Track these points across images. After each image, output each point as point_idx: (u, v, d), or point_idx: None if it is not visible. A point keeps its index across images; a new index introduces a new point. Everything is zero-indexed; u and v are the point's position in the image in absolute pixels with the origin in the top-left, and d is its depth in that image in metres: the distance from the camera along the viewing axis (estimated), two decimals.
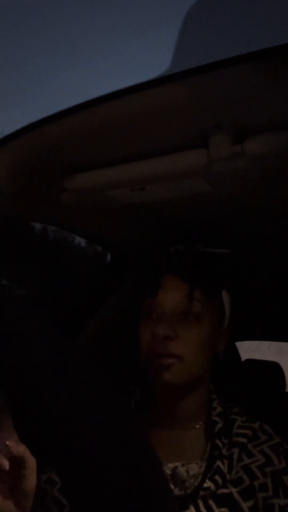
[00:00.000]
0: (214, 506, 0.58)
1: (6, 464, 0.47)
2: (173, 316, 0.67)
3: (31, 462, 0.49)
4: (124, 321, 0.96)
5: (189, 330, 0.66)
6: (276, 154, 0.52)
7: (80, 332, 0.95)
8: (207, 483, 0.60)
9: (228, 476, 0.61)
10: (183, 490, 0.61)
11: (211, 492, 0.59)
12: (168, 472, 0.63)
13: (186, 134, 0.54)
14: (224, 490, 0.59)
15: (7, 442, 0.47)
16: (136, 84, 0.47)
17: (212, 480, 0.60)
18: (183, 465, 0.63)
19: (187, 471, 0.63)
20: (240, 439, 0.64)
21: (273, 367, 1.27)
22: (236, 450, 0.63)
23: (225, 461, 0.62)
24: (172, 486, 0.61)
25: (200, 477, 0.61)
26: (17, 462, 0.48)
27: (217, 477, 0.60)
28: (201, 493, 0.59)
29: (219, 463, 0.62)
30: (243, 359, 1.27)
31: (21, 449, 0.48)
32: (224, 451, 0.63)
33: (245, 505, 0.58)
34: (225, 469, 0.61)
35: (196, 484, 0.60)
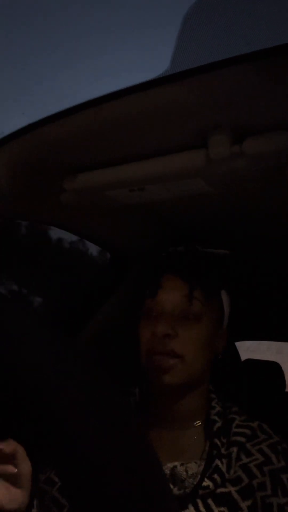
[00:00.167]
0: (213, 505, 0.58)
1: (12, 469, 0.52)
2: (173, 316, 0.67)
3: (20, 450, 0.52)
4: (124, 321, 0.96)
5: (189, 329, 0.66)
6: (275, 154, 0.52)
7: (80, 332, 0.95)
8: (206, 482, 0.60)
9: (227, 475, 0.61)
10: (182, 489, 0.61)
11: (210, 491, 0.59)
12: (167, 471, 0.63)
13: (186, 134, 0.54)
14: (223, 489, 0.59)
15: (0, 447, 0.50)
16: (135, 84, 0.47)
17: (211, 479, 0.60)
18: (182, 464, 0.64)
19: (186, 471, 0.63)
20: (239, 438, 0.64)
21: (273, 367, 1.27)
22: (235, 449, 0.63)
23: (224, 460, 0.62)
24: (171, 486, 0.62)
25: (199, 476, 0.61)
26: (9, 456, 0.52)
27: (216, 476, 0.60)
28: (200, 492, 0.59)
29: (218, 462, 0.62)
30: (243, 359, 1.27)
31: (12, 446, 0.51)
32: (223, 450, 0.63)
33: (244, 504, 0.58)
34: (224, 468, 0.61)
35: (195, 483, 0.60)
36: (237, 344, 1.28)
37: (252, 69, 0.42)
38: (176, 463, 0.64)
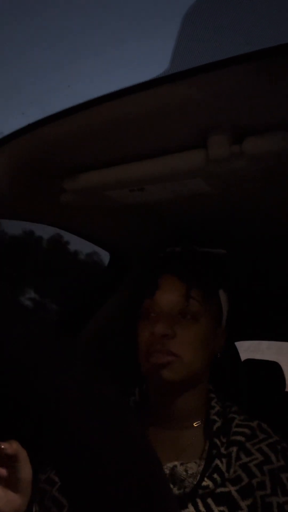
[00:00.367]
0: (213, 505, 0.58)
1: (3, 472, 0.51)
2: (171, 316, 0.67)
3: (23, 453, 0.52)
4: (124, 321, 0.96)
5: (187, 329, 0.66)
6: (275, 154, 0.52)
7: (80, 332, 0.95)
8: (206, 482, 0.60)
9: (226, 475, 0.61)
10: (182, 489, 0.61)
11: (210, 490, 0.59)
12: (167, 471, 0.63)
13: (186, 134, 0.54)
14: (223, 489, 0.59)
15: (2, 446, 0.50)
16: (135, 84, 0.47)
17: (211, 478, 0.60)
18: (181, 464, 0.64)
19: (186, 470, 0.63)
20: (239, 438, 0.64)
21: (273, 367, 1.27)
22: (234, 448, 0.63)
23: (224, 460, 0.62)
24: (170, 485, 0.62)
25: (199, 476, 0.61)
26: (11, 458, 0.51)
27: (215, 476, 0.60)
28: (200, 492, 0.59)
29: (217, 461, 0.62)
30: (243, 359, 1.27)
31: (14, 446, 0.51)
32: (222, 450, 0.64)
33: (243, 504, 0.58)
34: (223, 467, 0.62)
35: (194, 483, 0.61)
36: (237, 344, 1.28)
37: (252, 69, 0.42)
38: (175, 463, 0.64)
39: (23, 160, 0.61)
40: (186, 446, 0.67)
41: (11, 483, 0.52)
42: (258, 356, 1.48)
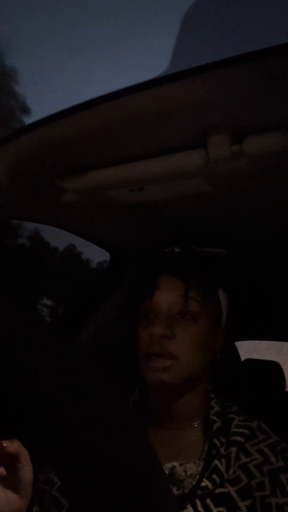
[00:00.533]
0: (211, 506, 0.58)
1: (2, 471, 0.51)
2: (170, 316, 0.67)
3: (24, 453, 0.52)
4: (124, 321, 0.96)
5: (186, 329, 0.66)
6: (275, 154, 0.52)
7: (79, 332, 0.95)
8: (205, 483, 0.60)
9: (225, 475, 0.61)
10: (181, 489, 0.61)
11: (209, 491, 0.59)
12: (166, 471, 0.63)
13: (185, 134, 0.54)
14: (222, 490, 0.59)
15: (4, 444, 0.50)
16: (135, 84, 0.47)
17: (210, 479, 0.60)
18: (181, 464, 0.64)
19: (185, 471, 0.63)
20: (238, 438, 0.64)
21: (273, 367, 1.27)
22: (234, 449, 0.63)
23: (223, 460, 0.62)
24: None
25: (198, 476, 0.61)
26: (12, 458, 0.51)
27: (214, 476, 0.60)
28: (199, 492, 0.59)
29: (217, 462, 0.62)
30: (242, 358, 1.27)
31: (16, 445, 0.50)
32: (222, 450, 0.63)
33: (242, 504, 0.58)
34: (222, 468, 0.61)
35: (193, 483, 0.60)
36: (237, 343, 1.28)
37: (252, 69, 0.42)
38: (175, 463, 0.64)
39: (23, 160, 0.61)
40: (186, 446, 0.67)
41: (11, 484, 0.52)
42: (258, 356, 1.48)
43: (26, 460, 0.52)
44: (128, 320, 0.92)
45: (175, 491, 0.61)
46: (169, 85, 0.46)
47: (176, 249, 0.77)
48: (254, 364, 1.27)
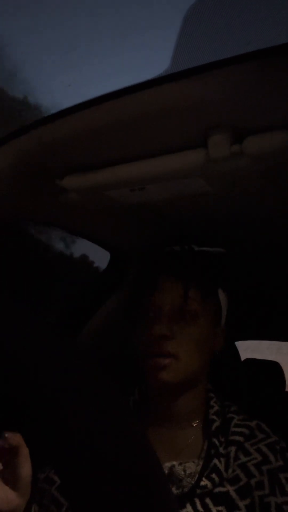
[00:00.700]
0: (211, 505, 0.58)
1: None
2: (170, 316, 0.67)
3: (25, 450, 0.51)
4: (124, 321, 0.96)
5: (186, 329, 0.66)
6: (275, 154, 0.52)
7: (79, 332, 0.95)
8: (204, 482, 0.60)
9: (225, 475, 0.61)
10: (180, 489, 0.61)
11: (208, 490, 0.59)
12: (165, 471, 0.63)
13: (186, 134, 0.54)
14: (221, 489, 0.59)
15: (6, 435, 0.49)
16: (135, 84, 0.47)
17: (209, 478, 0.60)
18: (180, 464, 0.64)
19: (184, 470, 0.63)
20: (237, 438, 0.64)
21: (273, 367, 1.27)
22: (233, 448, 0.63)
23: (222, 460, 0.62)
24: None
25: (197, 475, 0.61)
26: (13, 452, 0.50)
27: (214, 476, 0.60)
28: (198, 491, 0.59)
29: (216, 461, 0.62)
30: (242, 358, 1.27)
31: (17, 438, 0.50)
32: (221, 450, 0.64)
33: (241, 503, 0.58)
34: (222, 467, 0.62)
35: (193, 482, 0.61)
36: (237, 343, 1.28)
37: (252, 69, 0.42)
38: (174, 462, 0.64)
39: (23, 160, 0.61)
40: (185, 445, 0.67)
41: (10, 481, 0.51)
42: (258, 356, 1.48)
43: (25, 456, 0.52)
44: (128, 320, 0.92)
45: (174, 490, 0.61)
46: (169, 85, 0.46)
47: (176, 249, 0.77)
48: (254, 364, 1.27)
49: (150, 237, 0.91)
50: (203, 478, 0.60)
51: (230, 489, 0.59)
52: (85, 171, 0.64)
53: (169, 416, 0.70)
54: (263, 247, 0.92)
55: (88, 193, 0.68)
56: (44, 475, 0.68)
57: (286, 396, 1.22)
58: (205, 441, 0.66)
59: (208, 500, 0.59)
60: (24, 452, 0.52)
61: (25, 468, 0.52)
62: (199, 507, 0.58)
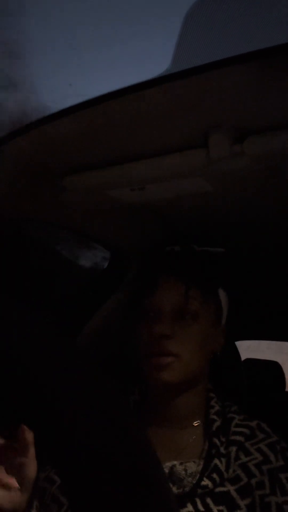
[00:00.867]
0: (211, 504, 0.58)
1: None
2: (170, 315, 0.67)
3: (32, 449, 0.52)
4: (124, 321, 0.96)
5: (186, 328, 0.66)
6: (276, 154, 0.52)
7: (80, 332, 0.95)
8: (205, 481, 0.60)
9: (225, 474, 0.61)
10: (181, 488, 0.61)
11: (209, 490, 0.59)
12: (166, 470, 0.63)
13: (186, 134, 0.54)
14: (222, 488, 0.59)
15: (23, 427, 0.50)
16: (136, 84, 0.47)
17: (210, 478, 0.60)
18: (181, 463, 0.64)
19: (185, 470, 0.63)
20: (238, 438, 0.65)
21: (273, 367, 1.27)
22: (233, 448, 0.63)
23: (223, 459, 0.62)
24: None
25: (198, 475, 0.61)
26: (21, 450, 0.51)
27: (214, 475, 0.61)
28: (199, 491, 0.59)
29: (216, 461, 0.62)
30: (243, 358, 1.27)
31: (31, 436, 0.51)
32: (222, 450, 0.64)
33: (242, 503, 0.58)
34: (222, 467, 0.62)
35: (194, 482, 0.61)
36: (237, 343, 1.28)
37: (252, 69, 0.42)
38: (175, 462, 0.64)
39: (24, 159, 0.61)
40: (186, 445, 0.67)
41: (15, 480, 0.52)
42: (258, 356, 1.48)
43: (32, 456, 0.52)
44: (128, 320, 0.92)
45: (175, 490, 0.61)
46: (169, 85, 0.46)
47: (176, 249, 0.77)
48: (254, 363, 1.28)
49: (150, 237, 0.91)
50: (204, 478, 0.60)
51: (231, 488, 0.59)
52: (85, 170, 0.64)
53: (169, 415, 0.70)
54: (263, 247, 0.92)
55: (88, 193, 0.68)
56: (44, 474, 0.68)
57: (286, 396, 1.23)
58: (205, 441, 0.66)
59: (209, 500, 0.59)
60: (32, 451, 0.52)
61: (31, 468, 0.52)
62: (200, 507, 0.58)
